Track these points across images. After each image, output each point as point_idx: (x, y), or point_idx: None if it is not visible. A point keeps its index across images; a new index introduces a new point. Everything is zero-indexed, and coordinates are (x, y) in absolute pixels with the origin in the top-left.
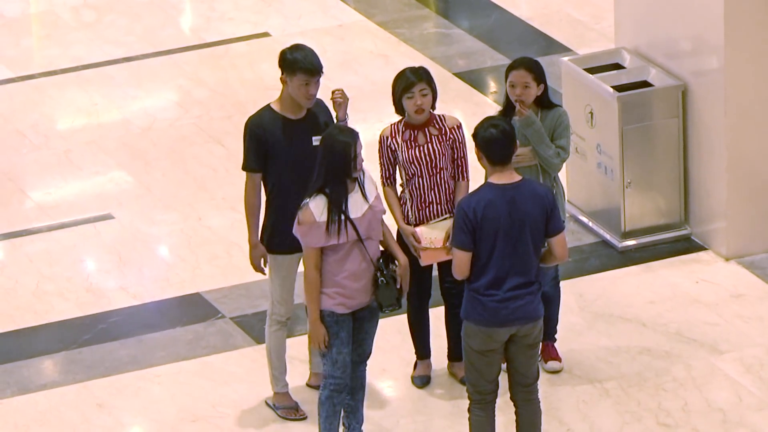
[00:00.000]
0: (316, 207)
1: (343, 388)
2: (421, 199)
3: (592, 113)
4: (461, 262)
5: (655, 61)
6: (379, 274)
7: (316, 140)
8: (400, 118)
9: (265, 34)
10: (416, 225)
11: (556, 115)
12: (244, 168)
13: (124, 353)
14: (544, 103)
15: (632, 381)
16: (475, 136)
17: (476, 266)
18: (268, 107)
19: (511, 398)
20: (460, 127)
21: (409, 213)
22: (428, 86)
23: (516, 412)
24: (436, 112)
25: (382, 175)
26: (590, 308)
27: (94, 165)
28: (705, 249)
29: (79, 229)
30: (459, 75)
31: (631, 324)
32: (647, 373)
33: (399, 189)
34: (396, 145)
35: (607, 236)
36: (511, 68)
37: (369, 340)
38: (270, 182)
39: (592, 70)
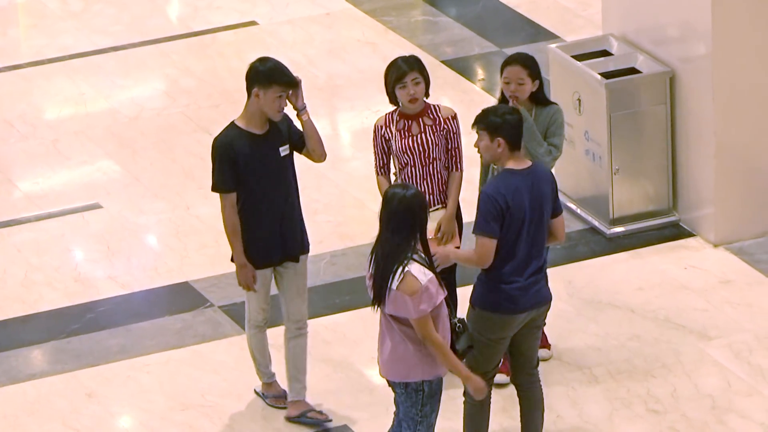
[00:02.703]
0: (418, 271)
1: None
2: None
3: (579, 100)
4: (488, 251)
5: (643, 47)
6: (456, 321)
7: (283, 150)
8: (395, 107)
9: (253, 23)
10: None
11: (550, 113)
12: (216, 189)
13: (112, 342)
14: (540, 99)
15: (621, 367)
16: (495, 123)
17: (499, 253)
18: (233, 125)
19: (513, 382)
20: (455, 117)
21: None
22: (420, 75)
23: (519, 395)
24: (433, 102)
25: (376, 164)
26: (579, 295)
27: (82, 154)
28: (693, 235)
29: (67, 219)
30: (446, 63)
31: (620, 311)
32: (636, 360)
33: (393, 178)
34: (390, 135)
35: (596, 223)
36: (506, 64)
37: None
38: (241, 199)
39: (579, 57)
